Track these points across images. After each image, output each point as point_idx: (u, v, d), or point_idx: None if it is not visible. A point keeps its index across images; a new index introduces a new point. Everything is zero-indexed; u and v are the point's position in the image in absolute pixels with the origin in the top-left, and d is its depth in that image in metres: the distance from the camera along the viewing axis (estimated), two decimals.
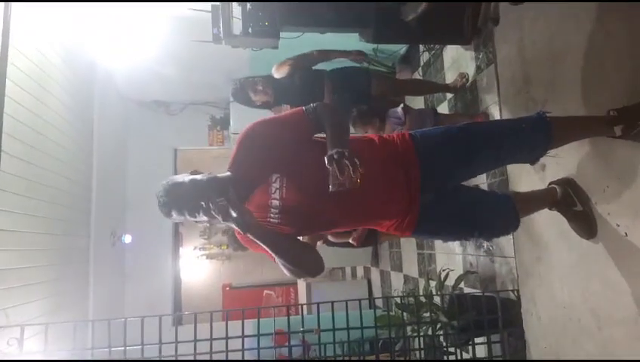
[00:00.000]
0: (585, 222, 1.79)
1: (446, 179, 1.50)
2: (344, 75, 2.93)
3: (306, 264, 1.41)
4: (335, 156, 1.16)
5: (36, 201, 2.92)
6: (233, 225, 1.24)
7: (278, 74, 2.91)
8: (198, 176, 1.32)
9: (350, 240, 2.52)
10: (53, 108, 3.20)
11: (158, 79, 4.15)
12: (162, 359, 2.36)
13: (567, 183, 1.84)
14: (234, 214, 1.20)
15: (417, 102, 3.59)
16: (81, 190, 3.73)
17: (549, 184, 1.91)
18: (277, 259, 1.36)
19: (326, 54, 2.95)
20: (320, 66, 2.99)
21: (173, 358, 2.36)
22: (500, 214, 1.64)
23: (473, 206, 1.58)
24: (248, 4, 2.50)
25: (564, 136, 1.61)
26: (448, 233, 1.62)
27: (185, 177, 1.32)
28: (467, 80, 2.95)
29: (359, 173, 1.15)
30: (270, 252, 1.34)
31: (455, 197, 1.54)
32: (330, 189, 1.18)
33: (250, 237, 1.29)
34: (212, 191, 1.24)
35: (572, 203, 1.80)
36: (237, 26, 2.59)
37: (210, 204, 1.20)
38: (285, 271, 1.39)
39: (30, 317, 2.66)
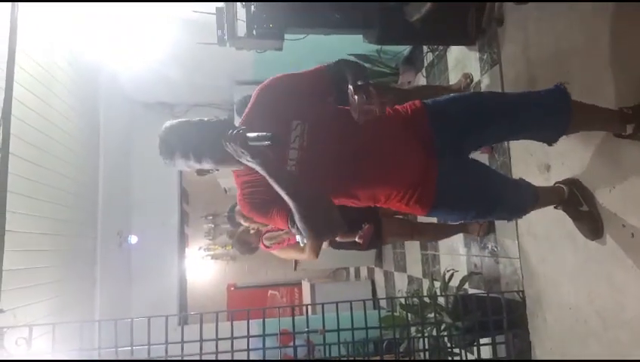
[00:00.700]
0: (591, 223, 1.78)
1: (457, 138, 1.45)
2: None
3: (322, 213, 1.24)
4: (360, 83, 1.18)
5: (43, 203, 2.95)
6: (246, 160, 1.16)
7: None
8: (206, 118, 1.28)
9: (356, 239, 2.53)
10: (60, 110, 3.23)
11: (163, 81, 4.17)
12: (168, 359, 2.37)
13: (573, 183, 1.83)
14: (247, 142, 1.12)
15: None
16: (87, 191, 3.76)
17: (555, 184, 1.90)
18: (292, 205, 1.20)
19: None
20: None
21: (180, 358, 2.37)
22: (518, 190, 1.63)
23: (490, 178, 1.56)
24: (252, 6, 2.52)
25: (580, 120, 1.55)
26: (466, 208, 1.50)
27: (191, 118, 1.27)
28: (471, 80, 2.94)
29: (386, 99, 1.16)
30: (285, 194, 1.19)
31: (472, 170, 1.52)
32: (357, 118, 1.18)
33: (262, 172, 1.17)
34: (222, 129, 1.19)
35: (578, 202, 1.79)
36: (241, 28, 2.60)
37: (223, 140, 1.15)
38: (301, 225, 1.23)
39: (38, 317, 2.68)
